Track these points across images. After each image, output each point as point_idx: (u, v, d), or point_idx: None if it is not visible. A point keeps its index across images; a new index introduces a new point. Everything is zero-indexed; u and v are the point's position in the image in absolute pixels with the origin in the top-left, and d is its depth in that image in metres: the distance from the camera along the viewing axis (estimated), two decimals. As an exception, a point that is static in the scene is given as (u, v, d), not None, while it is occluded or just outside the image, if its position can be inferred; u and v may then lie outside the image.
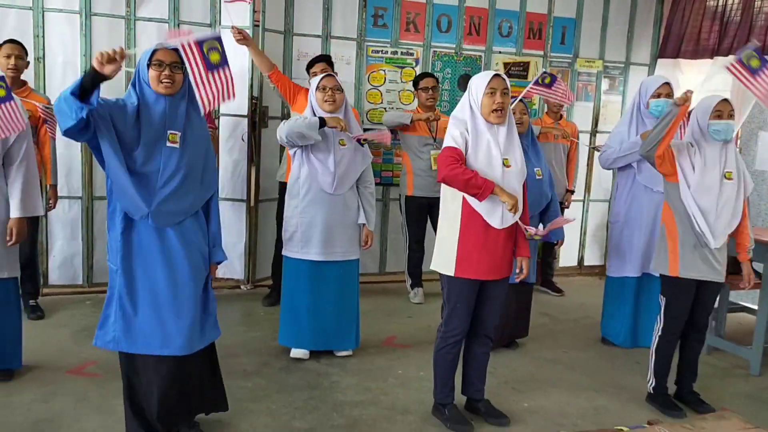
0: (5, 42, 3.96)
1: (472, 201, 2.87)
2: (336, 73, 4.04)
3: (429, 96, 4.88)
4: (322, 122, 3.56)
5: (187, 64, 2.50)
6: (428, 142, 4.90)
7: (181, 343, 2.66)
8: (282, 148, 4.87)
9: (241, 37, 4.45)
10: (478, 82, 2.94)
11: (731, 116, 3.28)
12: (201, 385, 2.87)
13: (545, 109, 5.41)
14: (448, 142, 2.92)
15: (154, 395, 2.71)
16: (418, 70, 5.46)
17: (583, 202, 6.19)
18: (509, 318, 4.00)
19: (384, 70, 5.43)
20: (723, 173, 3.26)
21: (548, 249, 5.57)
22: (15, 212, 3.18)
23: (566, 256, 6.20)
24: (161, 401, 2.71)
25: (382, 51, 5.41)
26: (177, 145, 2.58)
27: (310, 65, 4.57)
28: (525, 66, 5.77)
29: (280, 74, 4.61)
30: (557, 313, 5.09)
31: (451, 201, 2.97)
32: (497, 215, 2.89)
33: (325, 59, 4.60)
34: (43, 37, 4.51)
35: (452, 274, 2.95)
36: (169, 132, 2.57)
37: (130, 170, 2.52)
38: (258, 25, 4.89)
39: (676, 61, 5.92)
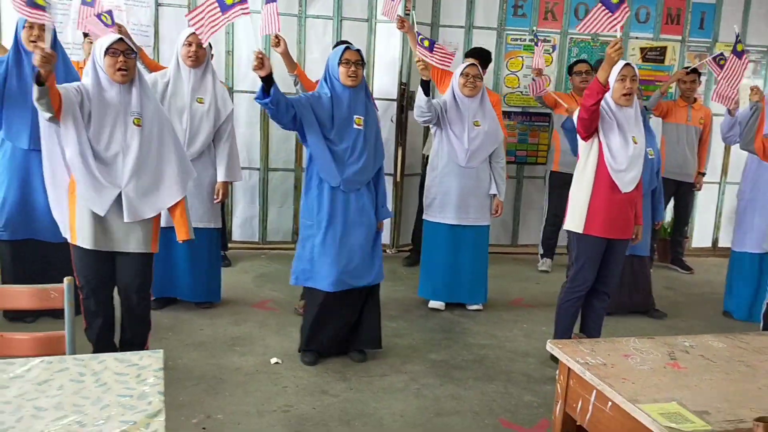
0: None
1: (609, 164, 3.30)
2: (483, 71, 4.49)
3: (582, 80, 5.23)
4: (424, 84, 4.04)
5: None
6: None
7: (353, 281, 3.40)
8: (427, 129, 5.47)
9: (402, 27, 4.66)
10: (612, 72, 3.37)
11: None
12: (365, 320, 3.57)
13: (679, 94, 5.59)
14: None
15: (323, 320, 3.45)
16: (555, 56, 5.84)
17: (719, 185, 6.27)
18: (627, 288, 4.38)
19: (522, 57, 5.87)
20: None
21: (679, 229, 5.77)
22: (222, 177, 4.06)
23: (700, 237, 6.33)
24: (328, 326, 3.45)
25: (520, 39, 5.85)
26: (362, 128, 3.30)
27: (467, 56, 5.07)
28: (662, 51, 5.95)
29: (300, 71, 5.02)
30: (683, 288, 5.33)
31: (585, 167, 3.41)
32: (626, 180, 3.32)
33: (483, 55, 4.96)
34: (233, 34, 5.43)
35: (581, 232, 3.41)
36: (354, 117, 3.28)
37: (329, 148, 3.26)
38: (408, 14, 5.50)
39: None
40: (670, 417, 1.46)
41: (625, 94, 3.31)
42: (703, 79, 5.71)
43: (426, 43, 4.32)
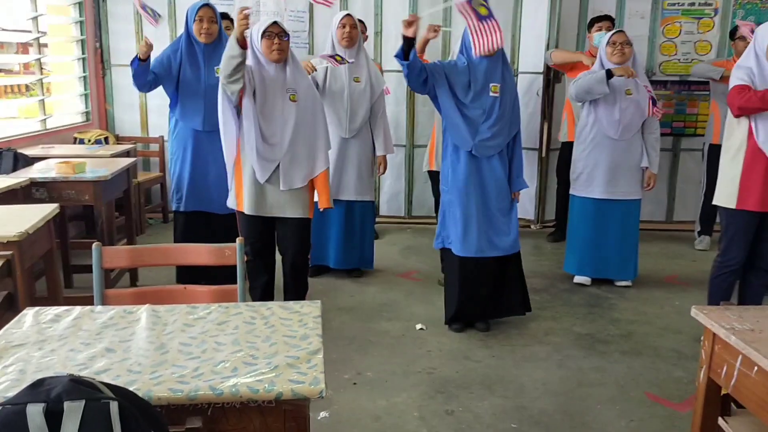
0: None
1: (762, 142, 3.09)
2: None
3: (746, 44, 4.88)
4: (609, 74, 4.01)
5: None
6: None
7: (487, 247, 3.47)
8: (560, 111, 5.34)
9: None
10: (765, 31, 3.14)
11: None
12: (508, 288, 3.64)
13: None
14: (734, 83, 3.15)
15: (463, 291, 3.56)
16: (717, 20, 5.46)
17: None
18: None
19: (680, 22, 5.55)
20: None
21: None
22: (381, 151, 4.30)
23: None
24: (472, 295, 3.56)
25: (678, 3, 5.53)
26: (497, 95, 3.35)
27: (591, 24, 4.94)
28: None
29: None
30: None
31: (734, 139, 3.22)
32: None
33: (608, 18, 4.91)
34: (381, 15, 5.62)
35: (733, 207, 3.23)
36: (491, 84, 3.35)
37: (462, 113, 3.35)
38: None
39: None
40: (821, 383, 1.41)
41: None
42: None
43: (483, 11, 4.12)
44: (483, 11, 3.20)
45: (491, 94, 3.38)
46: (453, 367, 3.23)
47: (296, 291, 3.46)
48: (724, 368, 1.68)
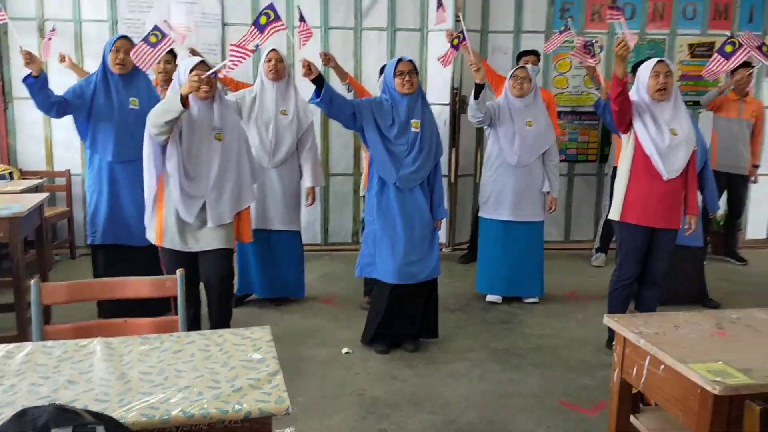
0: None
1: (649, 150, 3.45)
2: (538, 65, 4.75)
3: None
4: (478, 89, 4.26)
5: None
6: None
7: (412, 275, 3.65)
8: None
9: (328, 62, 4.59)
10: (645, 69, 3.54)
11: None
12: (422, 311, 3.82)
13: (731, 88, 5.66)
14: None
15: (387, 313, 3.71)
16: (602, 57, 5.98)
17: (773, 176, 6.29)
18: (682, 277, 4.50)
19: (570, 58, 6.03)
20: None
21: (732, 221, 5.84)
22: (309, 183, 4.39)
23: (755, 229, 6.36)
24: (391, 318, 3.72)
25: (567, 41, 6.00)
26: (418, 130, 3.56)
27: (519, 58, 5.31)
28: (710, 46, 6.03)
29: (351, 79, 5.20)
30: (737, 279, 5.40)
31: (624, 158, 3.59)
32: (665, 168, 3.45)
33: (534, 53, 5.30)
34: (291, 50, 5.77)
35: (619, 219, 3.58)
36: (412, 120, 3.56)
37: (387, 148, 3.54)
38: (459, 21, 5.73)
39: None
40: (716, 373, 1.65)
41: (658, 90, 3.46)
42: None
43: (455, 42, 4.66)
44: (263, 20, 3.53)
45: (413, 129, 3.60)
46: (381, 387, 3.36)
47: (220, 319, 3.49)
48: (635, 368, 1.91)
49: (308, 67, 3.33)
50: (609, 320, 1.99)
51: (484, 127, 4.63)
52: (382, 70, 4.32)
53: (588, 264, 5.76)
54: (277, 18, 3.59)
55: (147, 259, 3.86)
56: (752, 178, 5.74)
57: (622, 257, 3.67)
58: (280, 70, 4.23)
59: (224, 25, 5.67)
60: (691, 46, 6.05)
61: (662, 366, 1.79)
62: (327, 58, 4.56)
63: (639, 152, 3.50)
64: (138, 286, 2.24)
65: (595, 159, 6.16)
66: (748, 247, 6.17)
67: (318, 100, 3.40)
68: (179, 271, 2.23)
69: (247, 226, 3.46)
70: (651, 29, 6.04)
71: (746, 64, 5.44)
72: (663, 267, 3.69)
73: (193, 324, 3.44)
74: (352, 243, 6.01)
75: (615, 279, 3.74)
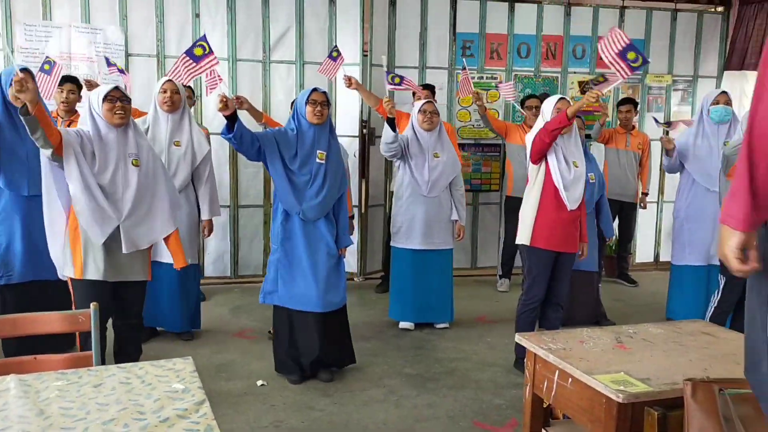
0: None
1: (557, 182, 3.68)
2: (435, 100, 4.99)
3: (532, 114, 5.69)
4: (390, 121, 4.43)
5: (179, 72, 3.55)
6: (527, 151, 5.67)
7: (317, 303, 3.68)
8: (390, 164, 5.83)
9: (351, 84, 5.29)
10: (548, 104, 3.80)
11: None
12: (334, 340, 3.85)
13: (618, 122, 6.12)
14: (530, 140, 3.76)
15: (292, 340, 3.72)
16: (501, 92, 6.31)
17: (657, 203, 6.81)
18: (577, 301, 4.78)
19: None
20: None
21: (623, 246, 6.25)
22: (206, 215, 4.33)
23: (643, 253, 6.84)
24: (301, 348, 3.73)
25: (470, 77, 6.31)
26: (323, 162, 3.62)
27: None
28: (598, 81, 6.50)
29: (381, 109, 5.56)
30: (630, 300, 5.78)
31: (533, 187, 3.80)
32: (570, 199, 3.70)
33: (430, 88, 5.53)
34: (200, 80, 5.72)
35: (529, 244, 3.79)
36: (317, 151, 3.61)
37: (290, 179, 3.56)
38: (366, 56, 5.92)
39: (742, 72, 6.47)
40: (619, 383, 1.80)
41: None
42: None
43: (397, 80, 4.92)
44: (198, 52, 3.59)
45: (318, 160, 3.65)
46: (298, 418, 3.36)
47: (130, 354, 3.39)
48: (545, 383, 2.04)
49: (225, 102, 3.33)
50: (520, 339, 2.11)
51: (395, 160, 4.77)
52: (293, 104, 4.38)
53: (494, 289, 5.99)
54: (211, 51, 3.60)
55: (64, 292, 3.73)
56: (641, 205, 6.19)
57: (531, 281, 3.86)
58: (175, 101, 4.19)
59: (128, 55, 5.56)
60: (580, 83, 6.49)
61: (570, 379, 1.92)
62: (240, 102, 4.75)
63: (549, 183, 3.73)
64: (49, 321, 2.16)
65: (497, 189, 6.44)
66: (638, 270, 6.61)
67: (230, 135, 3.40)
68: (93, 305, 2.18)
69: (179, 251, 3.36)
70: (545, 67, 6.44)
71: (629, 101, 5.92)
72: (567, 288, 3.94)
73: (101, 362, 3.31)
74: (263, 275, 5.94)
75: (523, 302, 3.93)
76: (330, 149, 3.71)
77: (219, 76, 3.97)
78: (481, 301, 5.66)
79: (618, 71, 3.68)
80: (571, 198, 3.72)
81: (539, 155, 3.71)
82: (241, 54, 5.79)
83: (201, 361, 4.04)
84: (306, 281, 3.66)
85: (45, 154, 3.00)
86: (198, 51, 3.59)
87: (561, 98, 3.79)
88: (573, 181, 3.73)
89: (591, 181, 4.60)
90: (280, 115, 5.60)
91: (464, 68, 5.36)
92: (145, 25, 5.60)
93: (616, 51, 3.63)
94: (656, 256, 6.93)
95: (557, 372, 1.97)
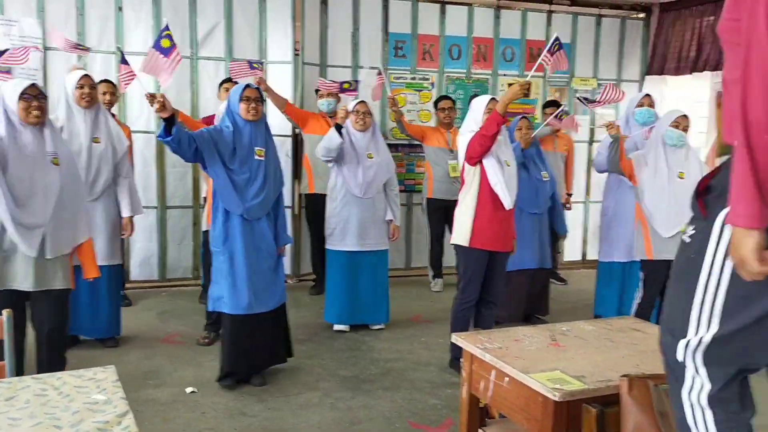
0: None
1: (493, 182, 3.69)
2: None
3: (446, 115, 5.75)
4: (338, 127, 4.42)
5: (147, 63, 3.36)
6: (445, 152, 5.73)
7: (260, 304, 3.59)
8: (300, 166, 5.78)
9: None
10: (479, 104, 3.82)
11: (686, 129, 4.11)
12: (273, 338, 3.76)
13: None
14: (465, 142, 3.75)
15: (239, 346, 3.61)
16: (434, 92, 6.35)
17: (584, 203, 7.00)
18: (528, 297, 4.86)
19: (405, 94, 6.34)
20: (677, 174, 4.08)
21: (554, 244, 6.38)
22: (126, 212, 4.15)
23: (571, 251, 7.01)
24: (244, 350, 3.62)
25: (402, 77, 6.32)
26: (263, 158, 3.52)
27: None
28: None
29: (291, 108, 5.50)
30: (559, 297, 5.89)
31: (470, 187, 3.80)
32: (507, 198, 3.73)
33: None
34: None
35: (467, 245, 3.79)
36: (256, 148, 3.51)
37: (231, 179, 3.46)
38: (298, 55, 5.83)
39: (662, 77, 6.73)
40: (555, 381, 1.80)
41: None
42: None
43: (347, 86, 5.05)
44: (166, 43, 3.39)
45: (257, 157, 3.56)
46: (231, 424, 3.25)
47: (52, 367, 3.19)
48: (482, 383, 2.03)
49: (162, 103, 3.18)
50: (457, 338, 2.09)
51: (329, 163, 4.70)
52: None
53: (428, 289, 6.00)
54: (174, 44, 3.44)
55: None
56: (567, 205, 6.33)
57: (467, 281, 3.87)
58: (93, 97, 4.02)
59: (46, 49, 5.28)
60: (510, 85, 6.59)
61: (506, 378, 1.91)
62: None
63: (485, 183, 3.74)
64: (-46, 331, 2.00)
65: (430, 189, 6.47)
66: (566, 268, 6.77)
67: (169, 138, 3.25)
68: (6, 312, 2.03)
69: (91, 260, 3.19)
70: (476, 68, 6.51)
71: (555, 104, 6.04)
72: (501, 286, 3.98)
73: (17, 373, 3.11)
74: (192, 278, 5.79)
75: (459, 302, 3.93)
76: (267, 146, 3.62)
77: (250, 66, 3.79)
78: (415, 300, 5.66)
79: (543, 61, 4.19)
80: (508, 197, 3.76)
81: (478, 158, 3.72)
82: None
83: (127, 369, 3.88)
84: (248, 283, 3.57)
85: None
86: (165, 42, 3.40)
87: (492, 98, 3.81)
88: (508, 179, 3.77)
89: (545, 179, 4.69)
90: (208, 113, 5.44)
91: (379, 73, 5.36)
92: (64, 17, 5.34)
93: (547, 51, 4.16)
94: (583, 254, 7.12)
95: (493, 371, 1.97)
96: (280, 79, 5.78)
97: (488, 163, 3.75)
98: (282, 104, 5.41)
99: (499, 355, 1.95)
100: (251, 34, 5.81)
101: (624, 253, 4.94)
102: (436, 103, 5.88)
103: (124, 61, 4.06)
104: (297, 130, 5.90)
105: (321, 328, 4.78)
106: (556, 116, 4.80)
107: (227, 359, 3.66)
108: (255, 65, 5.02)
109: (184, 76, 5.62)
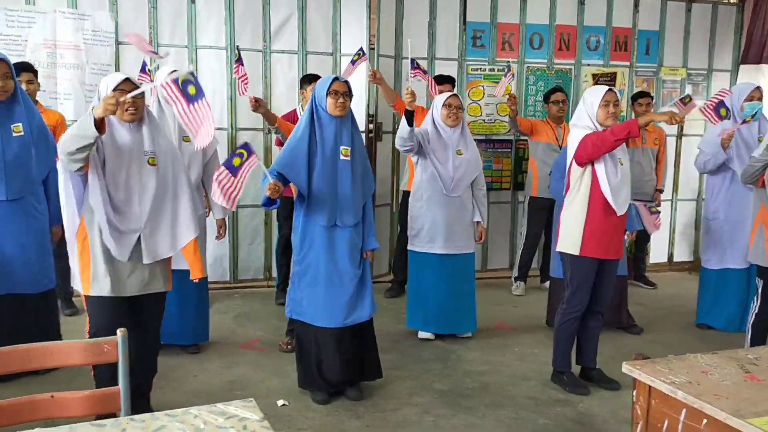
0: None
1: (605, 188, 3.38)
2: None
3: (559, 108, 5.41)
4: (408, 114, 4.03)
5: (170, 101, 2.60)
6: (554, 149, 5.37)
7: (342, 318, 3.34)
8: (402, 160, 5.49)
9: (375, 78, 5.06)
10: (594, 95, 3.48)
11: None
12: (361, 353, 3.51)
13: (633, 116, 5.86)
14: (578, 138, 3.42)
15: (323, 357, 3.38)
16: (513, 85, 6.01)
17: (672, 202, 6.58)
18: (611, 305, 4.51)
19: (483, 86, 6.02)
20: None
21: (641, 246, 6.00)
22: (220, 214, 3.98)
23: (657, 253, 6.60)
24: (327, 364, 3.38)
25: (480, 69, 6.01)
26: (348, 158, 3.27)
27: (439, 82, 5.12)
28: (612, 76, 6.24)
29: (401, 103, 5.20)
30: (651, 303, 5.52)
31: (578, 191, 3.49)
32: (620, 202, 3.42)
33: (450, 80, 5.20)
34: (197, 70, 5.33)
35: (577, 254, 3.48)
36: (341, 147, 3.27)
37: (317, 186, 3.23)
38: (373, 48, 5.57)
39: (759, 66, 6.26)
40: (777, 428, 1.50)
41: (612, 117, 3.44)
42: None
43: (356, 57, 4.63)
44: (192, 90, 2.62)
45: (342, 157, 3.31)
46: (330, 443, 3.02)
47: (146, 375, 3.07)
48: (666, 422, 1.73)
49: (276, 189, 3.06)
50: (632, 369, 1.79)
51: (412, 156, 4.43)
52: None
53: (508, 292, 5.69)
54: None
55: (38, 307, 3.49)
56: (655, 202, 5.93)
57: (575, 289, 3.57)
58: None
59: (118, 43, 5.13)
60: (594, 75, 6.22)
61: (705, 420, 1.61)
62: (257, 104, 4.22)
63: (596, 187, 3.43)
64: (67, 352, 1.79)
65: (508, 187, 6.16)
66: (652, 271, 6.36)
67: (274, 206, 3.25)
68: (121, 332, 1.81)
69: (197, 260, 2.98)
70: (558, 58, 6.15)
71: (646, 95, 5.62)
72: (610, 295, 3.67)
73: (108, 383, 2.92)
74: (264, 279, 5.60)
75: (564, 311, 3.63)
76: (354, 144, 3.37)
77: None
78: (496, 305, 5.35)
79: (708, 118, 4.30)
80: (620, 202, 3.44)
81: (590, 159, 3.39)
82: (240, 43, 5.37)
83: (211, 378, 3.70)
84: (331, 295, 3.33)
85: (71, 167, 2.65)
86: (191, 90, 2.92)
87: (609, 90, 3.47)
88: (620, 182, 3.44)
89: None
90: (283, 108, 5.23)
91: (363, 54, 4.79)
92: (136, 11, 5.17)
93: (713, 105, 4.25)
94: (670, 257, 6.71)
95: (684, 410, 1.67)
96: (354, 72, 5.51)
97: (600, 165, 3.42)
98: (393, 98, 5.16)
99: (695, 393, 1.64)
100: (325, 27, 5.57)
101: (738, 260, 4.57)
102: (546, 97, 5.53)
103: (239, 62, 3.83)
104: (371, 125, 5.64)
105: (403, 335, 4.52)
106: (681, 100, 4.38)
107: (301, 367, 3.49)
108: (417, 64, 4.67)
109: (257, 70, 5.41)
